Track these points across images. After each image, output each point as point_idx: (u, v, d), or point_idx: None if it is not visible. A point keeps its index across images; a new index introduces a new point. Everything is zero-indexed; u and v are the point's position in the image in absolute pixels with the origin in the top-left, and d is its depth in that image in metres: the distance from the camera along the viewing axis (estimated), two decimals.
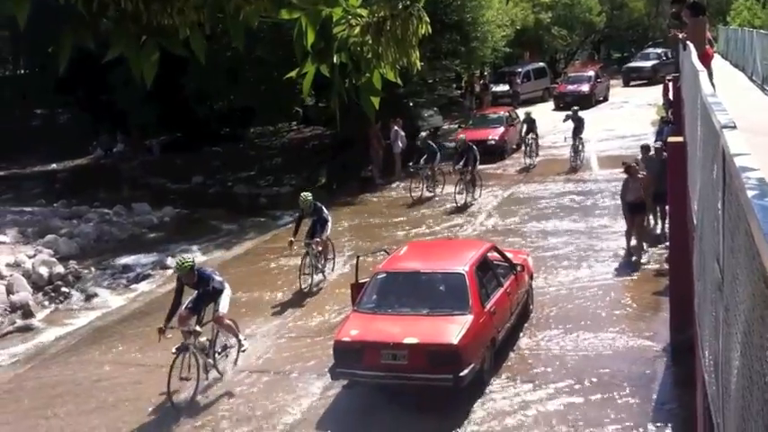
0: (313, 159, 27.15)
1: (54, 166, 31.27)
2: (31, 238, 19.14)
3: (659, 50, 43.33)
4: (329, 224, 14.29)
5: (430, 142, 21.00)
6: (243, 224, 20.66)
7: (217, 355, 10.29)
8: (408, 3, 3.25)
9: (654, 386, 9.47)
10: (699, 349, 4.74)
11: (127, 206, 22.04)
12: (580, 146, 22.61)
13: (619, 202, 14.99)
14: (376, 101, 3.59)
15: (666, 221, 14.31)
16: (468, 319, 9.43)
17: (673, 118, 20.30)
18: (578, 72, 38.60)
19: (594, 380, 9.62)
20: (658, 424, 8.50)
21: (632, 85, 39.46)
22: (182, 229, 20.23)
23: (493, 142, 24.62)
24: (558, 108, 34.33)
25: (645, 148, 15.79)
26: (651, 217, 15.16)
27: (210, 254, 18.04)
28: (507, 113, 27.01)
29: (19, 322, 14.34)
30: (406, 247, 12.51)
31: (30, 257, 17.27)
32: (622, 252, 14.26)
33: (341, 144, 26.41)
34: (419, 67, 3.58)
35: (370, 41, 3.27)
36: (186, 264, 10.02)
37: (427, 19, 3.33)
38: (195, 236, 19.61)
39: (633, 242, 14.19)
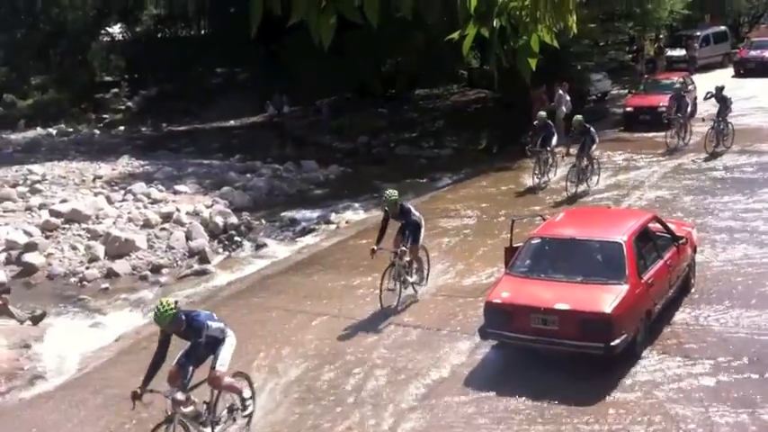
0: (475, 122, 27.18)
1: (231, 122, 33.19)
2: (208, 189, 20.62)
3: None
4: (422, 229, 11.95)
5: (549, 122, 18.86)
6: (403, 184, 21.10)
7: (222, 422, 8.16)
8: None
9: None
10: None
11: (296, 163, 23.22)
12: (725, 128, 20.26)
13: None
14: (533, 63, 3.73)
15: None
16: (623, 288, 9.30)
17: None
18: (762, 37, 35.90)
19: (754, 359, 9.24)
20: None
21: None
22: (346, 187, 21.07)
23: (664, 109, 23.21)
24: (737, 74, 32.30)
25: None
26: None
27: (369, 212, 18.69)
28: (682, 79, 25.52)
29: (196, 266, 15.63)
30: (563, 213, 12.43)
31: (207, 207, 18.67)
32: None
33: (504, 107, 26.22)
34: (575, 31, 3.68)
35: (529, 6, 3.41)
36: (167, 312, 7.48)
37: None
38: (358, 194, 20.38)
39: None
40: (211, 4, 37.91)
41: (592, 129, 17.77)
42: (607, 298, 9.21)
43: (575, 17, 3.40)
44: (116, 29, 42.28)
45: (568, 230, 10.82)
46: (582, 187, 17.42)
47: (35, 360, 11.01)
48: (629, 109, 24.87)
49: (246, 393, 8.37)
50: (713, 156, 19.49)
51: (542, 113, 18.95)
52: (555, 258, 10.28)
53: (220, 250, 16.75)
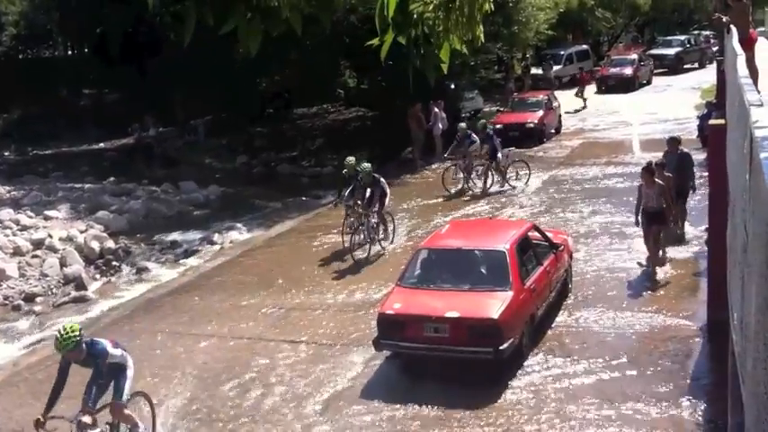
0: (355, 140, 27.47)
1: (102, 144, 32.06)
2: (82, 213, 19.80)
3: (683, 37, 42.68)
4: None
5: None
6: (286, 203, 21.16)
7: None
8: None
9: (689, 363, 9.66)
10: (729, 311, 4.99)
11: (174, 184, 22.69)
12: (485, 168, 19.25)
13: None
14: (444, 68, 4.03)
15: (686, 221, 13.96)
16: (508, 295, 9.70)
17: (717, 102, 20.25)
18: (621, 55, 38.33)
19: (631, 356, 9.83)
20: (692, 399, 8.70)
21: (655, 73, 37.88)
22: (227, 207, 20.80)
23: (532, 125, 24.54)
24: (600, 91, 34.16)
25: (673, 141, 14.24)
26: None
27: (255, 231, 18.57)
28: (546, 97, 26.73)
29: (73, 293, 15.00)
30: (449, 225, 12.84)
31: (81, 232, 17.95)
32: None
33: (382, 125, 26.69)
34: (482, 41, 4.02)
35: (442, 17, 3.69)
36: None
37: None
38: (240, 214, 20.17)
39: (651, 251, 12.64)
40: (76, 23, 36.59)
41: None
42: (494, 304, 9.58)
43: (481, 28, 3.70)
44: None
45: (454, 241, 11.18)
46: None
47: None
48: (498, 126, 23.94)
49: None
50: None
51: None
52: (443, 268, 10.59)
53: (98, 276, 16.14)
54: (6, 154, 31.73)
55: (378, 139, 26.11)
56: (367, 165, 14.95)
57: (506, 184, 19.16)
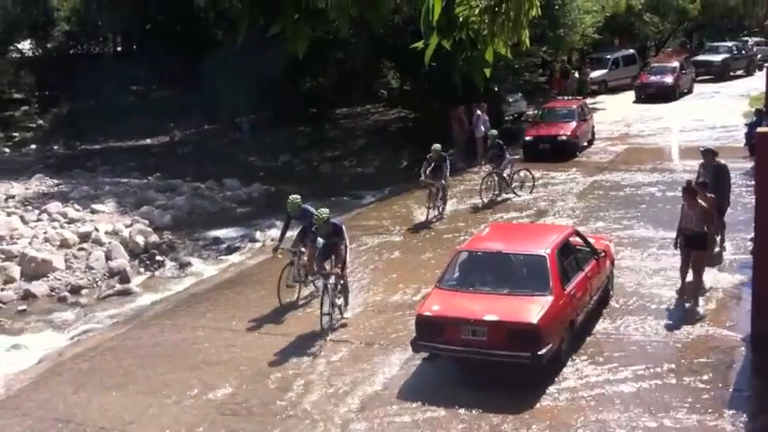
0: (396, 141, 27.55)
1: (148, 140, 32.58)
2: (128, 208, 20.17)
3: (731, 44, 41.32)
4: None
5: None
6: (326, 202, 21.14)
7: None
8: None
9: (731, 374, 9.51)
10: None
11: (218, 181, 22.98)
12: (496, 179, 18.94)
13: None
14: (488, 72, 4.01)
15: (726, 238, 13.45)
16: (548, 300, 9.65)
17: (766, 109, 19.88)
18: (662, 62, 36.88)
19: (672, 366, 9.72)
20: (733, 411, 8.57)
21: (698, 80, 36.89)
22: (269, 205, 20.95)
23: (564, 138, 23.17)
24: (638, 100, 32.86)
25: (708, 153, 13.80)
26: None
27: (295, 230, 18.63)
28: (579, 107, 25.22)
29: (117, 286, 15.28)
30: (489, 228, 12.82)
31: (127, 227, 18.29)
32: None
33: (424, 127, 26.69)
34: (528, 45, 4.00)
35: (487, 21, 3.69)
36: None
37: (537, 2, 3.73)
38: (281, 212, 20.21)
39: (689, 279, 11.83)
40: (125, 21, 37.25)
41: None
42: (533, 309, 9.54)
43: (527, 32, 3.68)
44: (26, 45, 40.99)
45: (494, 244, 11.17)
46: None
47: None
48: (528, 138, 23.83)
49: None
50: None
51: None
52: (482, 271, 10.58)
53: (142, 270, 16.42)
54: (56, 148, 32.47)
55: (420, 140, 26.09)
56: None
57: (512, 193, 18.94)
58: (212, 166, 25.30)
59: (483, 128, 23.92)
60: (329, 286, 11.35)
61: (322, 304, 11.28)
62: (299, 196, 12.91)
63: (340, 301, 11.73)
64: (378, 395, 9.49)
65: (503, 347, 9.34)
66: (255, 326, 11.95)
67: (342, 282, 11.64)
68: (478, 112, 23.93)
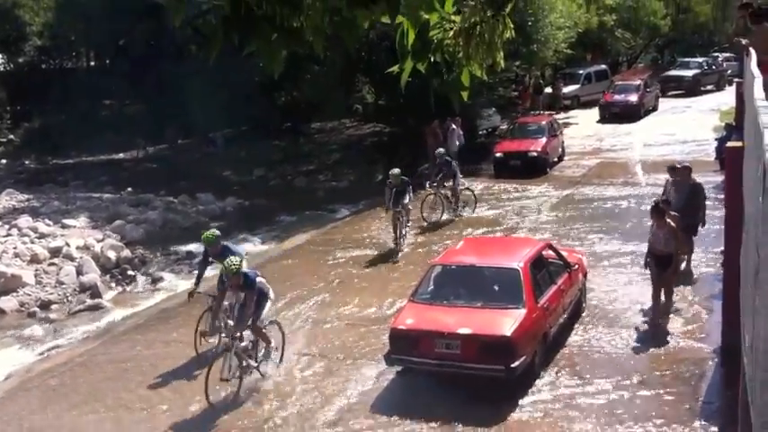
0: (371, 155, 27.59)
1: (121, 155, 32.34)
2: (100, 223, 19.95)
3: (701, 59, 41.80)
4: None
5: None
6: (301, 216, 21.22)
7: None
8: (495, 11, 3.70)
9: (702, 385, 9.60)
10: (741, 335, 4.97)
11: (191, 195, 22.84)
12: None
13: None
14: (465, 94, 4.06)
15: (692, 256, 13.21)
16: (521, 313, 9.69)
17: (736, 124, 20.16)
18: (625, 81, 35.57)
19: (643, 377, 9.79)
20: (704, 422, 8.64)
21: (669, 95, 37.23)
22: (243, 220, 20.88)
23: (535, 154, 23.01)
24: (602, 119, 31.75)
25: (685, 170, 13.52)
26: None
27: (269, 243, 18.66)
28: (549, 123, 25.09)
29: (88, 301, 15.12)
30: (463, 242, 12.86)
31: (98, 241, 18.09)
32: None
33: (398, 141, 26.78)
34: (503, 66, 4.06)
35: (462, 44, 3.74)
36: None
37: (511, 25, 3.79)
38: (256, 226, 20.25)
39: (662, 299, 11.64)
40: (98, 35, 37.03)
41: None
42: (507, 322, 9.57)
43: (502, 53, 3.74)
44: None
45: (468, 258, 11.22)
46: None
47: None
48: (498, 155, 23.56)
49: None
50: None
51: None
52: (456, 285, 10.60)
53: (113, 285, 16.26)
54: (27, 162, 32.07)
55: (394, 155, 26.17)
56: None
57: (455, 212, 18.53)
58: (186, 180, 25.14)
59: (458, 142, 24.06)
60: (235, 348, 9.65)
61: (211, 367, 9.48)
62: (216, 231, 11.37)
63: (252, 361, 10.02)
64: (351, 409, 9.45)
65: (476, 360, 9.35)
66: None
67: (254, 338, 10.05)
68: (453, 126, 24.05)
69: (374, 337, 11.44)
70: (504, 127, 29.94)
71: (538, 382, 9.74)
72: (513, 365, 9.19)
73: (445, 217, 18.35)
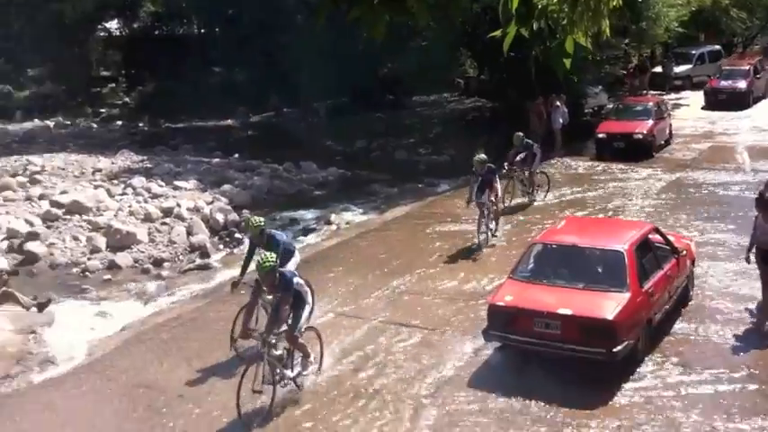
0: (473, 131, 27.43)
1: (229, 121, 33.31)
2: (208, 186, 20.71)
3: None
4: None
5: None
6: (401, 188, 21.40)
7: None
8: None
9: None
10: None
11: (295, 164, 23.38)
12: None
13: None
14: (567, 63, 3.99)
15: None
16: (625, 296, 9.53)
17: None
18: (734, 66, 32.81)
19: (752, 371, 9.50)
20: None
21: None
22: (344, 189, 21.26)
23: (640, 136, 22.07)
24: (709, 107, 29.62)
25: None
26: None
27: (368, 214, 18.93)
28: (656, 104, 24.06)
29: (197, 261, 15.76)
30: (565, 221, 12.72)
31: (208, 204, 18.80)
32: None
33: (501, 117, 26.51)
34: (609, 35, 3.97)
35: (567, 10, 3.67)
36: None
37: None
38: (356, 196, 20.60)
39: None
40: (208, 3, 38.03)
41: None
42: (609, 305, 9.44)
43: (608, 22, 3.66)
44: (113, 24, 42.30)
45: (570, 237, 11.07)
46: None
47: (43, 345, 11.13)
48: (601, 135, 22.69)
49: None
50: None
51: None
52: (557, 264, 10.50)
53: (221, 246, 16.88)
54: (140, 125, 33.51)
55: (496, 131, 25.94)
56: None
57: (532, 195, 17.98)
58: (290, 148, 25.69)
59: (561, 119, 23.68)
60: (265, 356, 8.58)
61: (243, 376, 8.42)
62: (260, 219, 10.58)
63: (293, 373, 9.08)
64: (448, 381, 9.57)
65: (577, 342, 9.26)
66: (328, 307, 12.15)
67: (288, 348, 9.05)
68: (557, 103, 23.68)
69: (472, 312, 11.50)
70: (611, 106, 29.16)
71: (641, 368, 9.60)
72: (614, 350, 9.08)
73: (517, 201, 17.77)
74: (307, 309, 9.10)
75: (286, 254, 10.26)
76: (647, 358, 9.80)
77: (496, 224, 15.36)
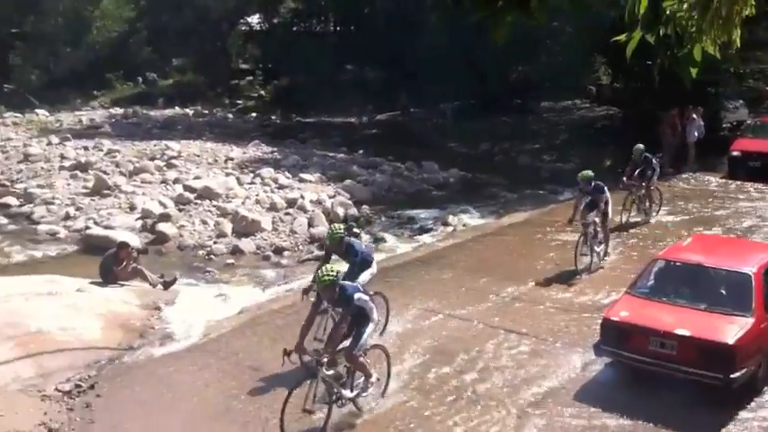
0: (600, 139, 26.75)
1: (353, 119, 33.95)
2: (331, 180, 21.23)
3: None
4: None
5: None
6: (522, 194, 21.18)
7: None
8: None
9: None
10: None
11: (417, 163, 23.58)
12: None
13: None
14: (694, 72, 3.87)
15: None
16: (749, 321, 9.10)
17: None
18: None
19: None
20: None
21: None
22: (464, 191, 21.27)
23: None
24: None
25: None
26: None
27: (486, 218, 18.84)
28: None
29: (316, 252, 16.16)
30: (691, 238, 12.24)
31: (330, 197, 19.29)
32: None
33: (632, 127, 25.69)
34: (738, 45, 3.81)
35: (696, 17, 3.56)
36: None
37: (752, 1, 3.53)
38: (475, 199, 20.55)
39: None
40: (345, 1, 38.88)
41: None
42: (731, 329, 9.03)
43: (739, 31, 3.53)
44: (254, 19, 43.97)
45: (696, 256, 10.63)
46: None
47: (164, 322, 11.77)
48: (735, 153, 21.45)
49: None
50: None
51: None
52: (679, 283, 10.13)
53: None
54: (273, 118, 34.70)
55: (626, 141, 25.15)
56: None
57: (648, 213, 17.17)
58: (413, 147, 25.91)
59: (696, 132, 22.73)
60: (321, 375, 8.02)
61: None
62: (341, 228, 10.47)
63: (346, 391, 8.47)
64: (554, 393, 9.42)
65: (693, 365, 8.91)
66: (441, 307, 12.18)
67: (350, 367, 8.51)
68: (693, 115, 22.75)
69: (584, 326, 11.25)
70: (751, 122, 27.68)
71: (759, 397, 9.12)
72: (732, 375, 8.68)
73: (634, 218, 16.93)
74: (370, 326, 8.51)
75: (363, 264, 10.14)
76: (766, 388, 9.29)
77: (606, 247, 14.28)
